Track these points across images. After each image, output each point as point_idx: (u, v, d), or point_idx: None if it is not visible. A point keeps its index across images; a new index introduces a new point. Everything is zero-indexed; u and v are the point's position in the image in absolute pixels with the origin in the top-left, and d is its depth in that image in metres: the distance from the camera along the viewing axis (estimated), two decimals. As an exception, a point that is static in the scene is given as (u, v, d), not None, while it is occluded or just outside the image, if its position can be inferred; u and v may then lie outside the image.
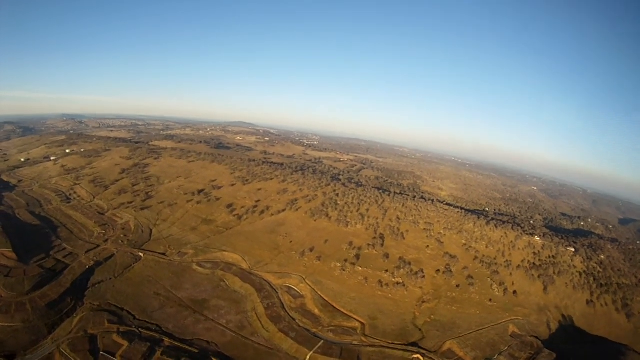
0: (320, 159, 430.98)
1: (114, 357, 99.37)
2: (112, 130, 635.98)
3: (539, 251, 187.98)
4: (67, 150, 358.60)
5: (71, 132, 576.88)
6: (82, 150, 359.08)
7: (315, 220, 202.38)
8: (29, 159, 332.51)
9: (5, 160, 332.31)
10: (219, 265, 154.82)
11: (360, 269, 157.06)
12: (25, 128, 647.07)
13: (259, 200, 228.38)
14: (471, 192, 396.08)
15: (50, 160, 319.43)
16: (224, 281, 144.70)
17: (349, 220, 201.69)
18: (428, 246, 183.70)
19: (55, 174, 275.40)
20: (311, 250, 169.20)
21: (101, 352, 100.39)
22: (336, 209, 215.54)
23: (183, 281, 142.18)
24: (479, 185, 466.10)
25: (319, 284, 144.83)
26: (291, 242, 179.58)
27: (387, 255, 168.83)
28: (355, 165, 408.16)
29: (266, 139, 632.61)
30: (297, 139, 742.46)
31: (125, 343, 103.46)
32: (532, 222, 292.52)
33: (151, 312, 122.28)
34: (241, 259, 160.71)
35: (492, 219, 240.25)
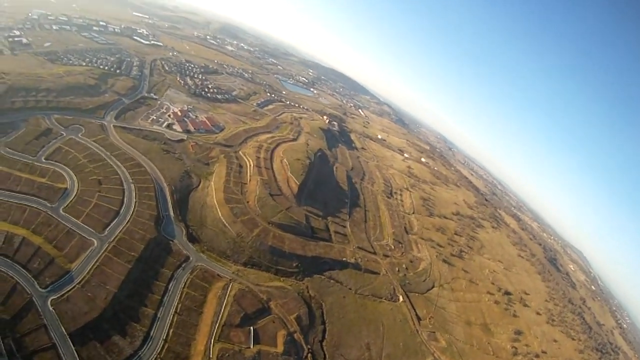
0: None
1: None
2: (472, 174, 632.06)
3: None
4: (423, 159, 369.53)
5: (437, 150, 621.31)
6: (435, 168, 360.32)
7: None
8: (384, 140, 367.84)
9: (364, 127, 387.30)
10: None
11: None
12: (399, 119, 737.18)
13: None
14: None
15: (402, 155, 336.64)
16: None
17: None
18: None
19: (396, 166, 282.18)
20: None
21: None
22: None
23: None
24: None
25: None
26: None
27: None
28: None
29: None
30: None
31: None
32: None
33: None
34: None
35: None
